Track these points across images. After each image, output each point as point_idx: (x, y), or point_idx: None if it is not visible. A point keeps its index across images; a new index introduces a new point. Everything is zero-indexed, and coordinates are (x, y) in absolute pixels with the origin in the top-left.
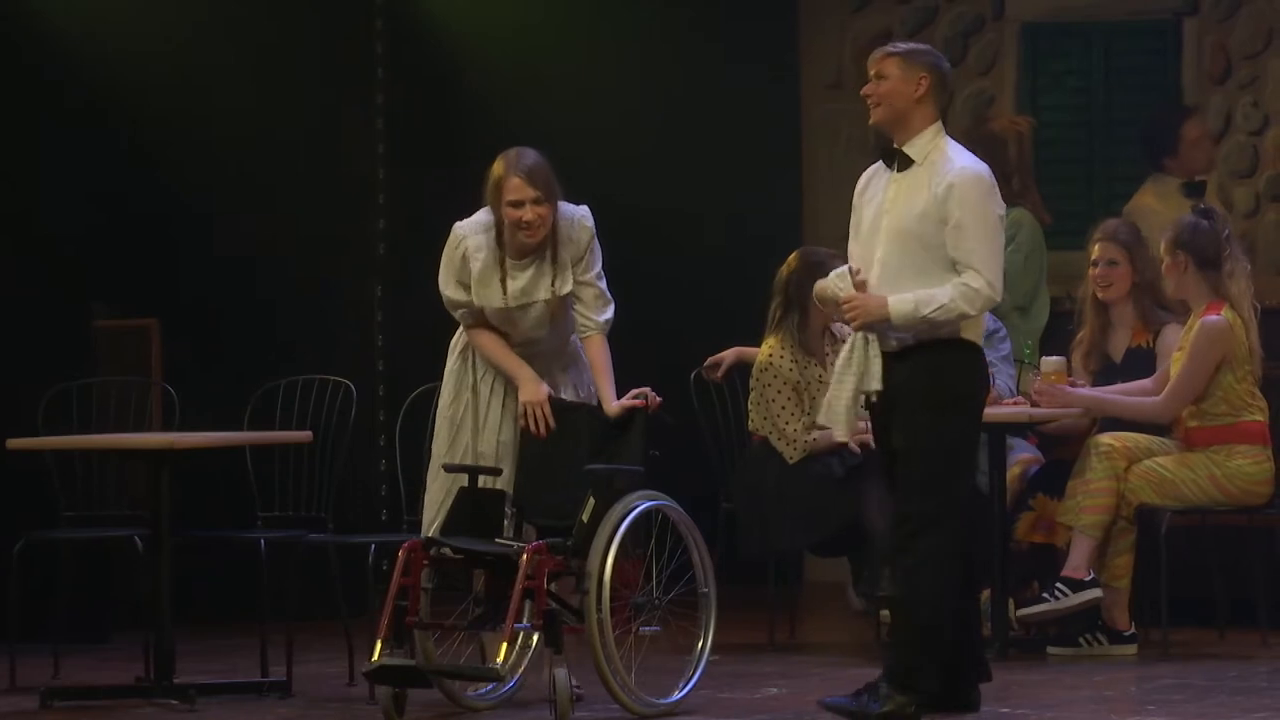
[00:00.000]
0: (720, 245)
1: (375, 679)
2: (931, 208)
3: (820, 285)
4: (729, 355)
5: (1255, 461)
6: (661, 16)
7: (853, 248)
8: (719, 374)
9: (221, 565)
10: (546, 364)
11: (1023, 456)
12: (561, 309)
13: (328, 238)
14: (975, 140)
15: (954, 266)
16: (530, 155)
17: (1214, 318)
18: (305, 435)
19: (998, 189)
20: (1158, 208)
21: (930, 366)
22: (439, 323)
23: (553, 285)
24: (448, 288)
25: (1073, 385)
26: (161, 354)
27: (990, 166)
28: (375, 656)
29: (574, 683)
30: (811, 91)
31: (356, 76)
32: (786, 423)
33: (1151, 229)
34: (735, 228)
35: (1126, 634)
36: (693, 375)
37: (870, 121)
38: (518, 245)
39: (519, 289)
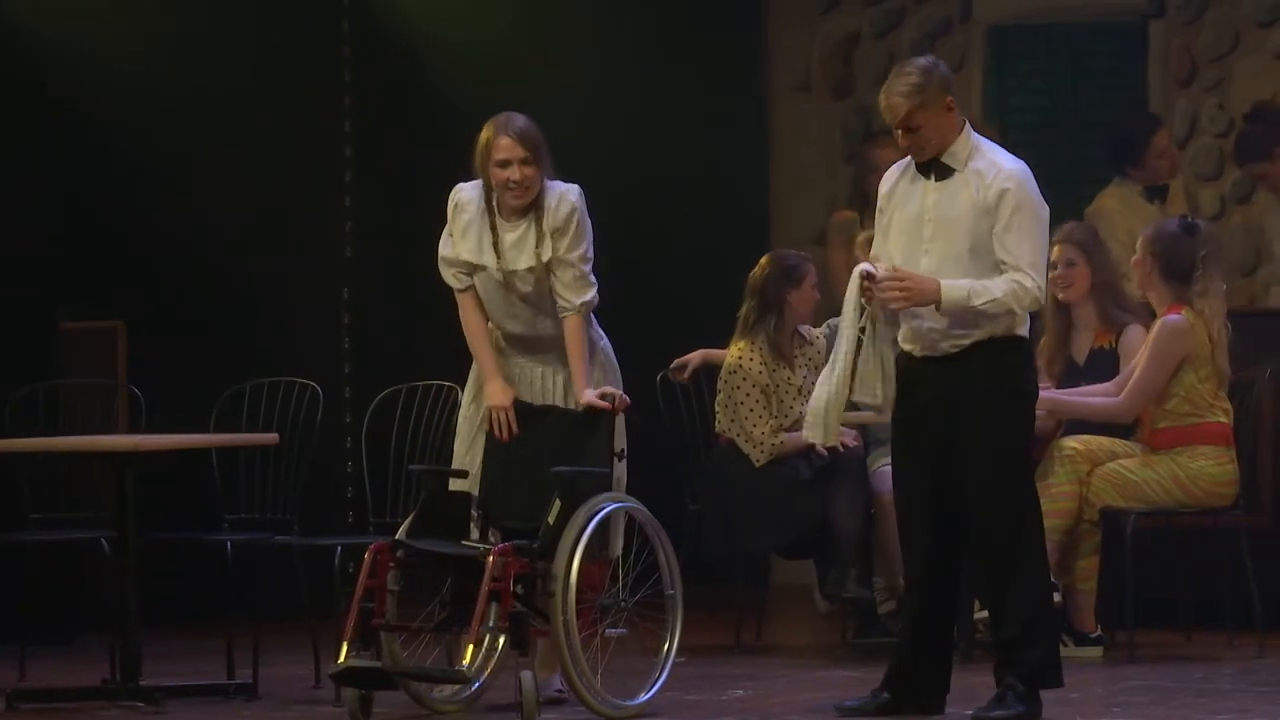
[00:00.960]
0: (687, 246)
1: (341, 681)
2: (983, 213)
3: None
4: (695, 357)
5: (1218, 463)
6: (629, 17)
7: (880, 249)
8: (685, 375)
9: (188, 567)
10: (553, 359)
11: None
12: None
13: (295, 240)
14: None
15: (999, 267)
16: (520, 118)
17: (1174, 317)
18: (271, 438)
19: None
20: (1120, 210)
21: (999, 366)
22: (406, 325)
23: (536, 249)
24: (443, 245)
25: None
26: (127, 356)
27: None
28: (341, 658)
29: (559, 686)
30: (779, 93)
31: (323, 78)
32: (754, 425)
33: (1114, 231)
34: (702, 229)
35: (1092, 636)
36: (659, 377)
37: (916, 161)
38: (506, 208)
39: (506, 253)
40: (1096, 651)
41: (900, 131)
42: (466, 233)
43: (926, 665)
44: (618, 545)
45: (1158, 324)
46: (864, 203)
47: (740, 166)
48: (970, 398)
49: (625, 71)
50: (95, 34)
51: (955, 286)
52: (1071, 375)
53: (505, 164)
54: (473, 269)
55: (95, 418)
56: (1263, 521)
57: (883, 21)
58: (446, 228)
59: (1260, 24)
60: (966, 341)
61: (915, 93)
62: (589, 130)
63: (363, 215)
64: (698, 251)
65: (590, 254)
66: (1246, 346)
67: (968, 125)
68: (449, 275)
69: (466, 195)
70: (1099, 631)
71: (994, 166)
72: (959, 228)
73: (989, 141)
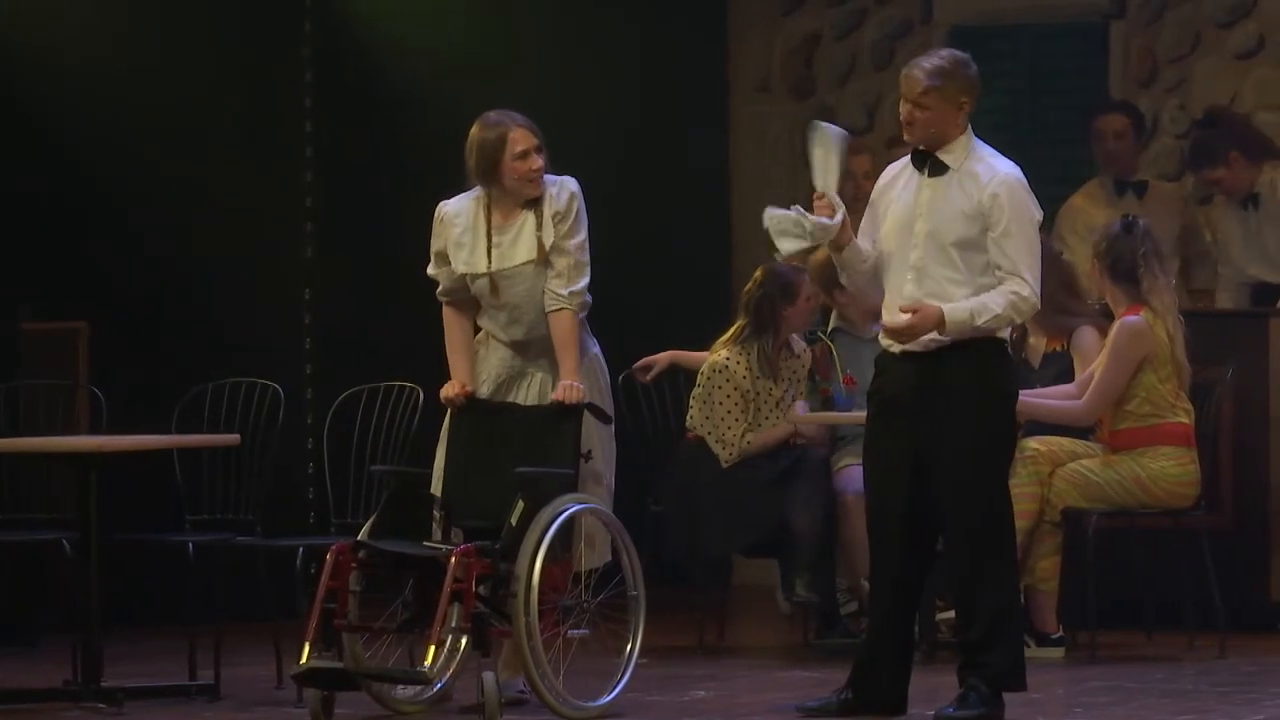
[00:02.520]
0: (648, 246)
1: (303, 681)
2: (976, 214)
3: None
4: (663, 359)
5: (1179, 463)
6: (590, 17)
7: (864, 244)
8: (649, 377)
9: (149, 568)
10: (547, 366)
11: None
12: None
13: (256, 241)
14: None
15: (993, 271)
16: (515, 113)
17: (1133, 318)
18: (233, 438)
19: None
20: (1084, 207)
21: (976, 368)
22: (368, 326)
23: (538, 233)
24: (430, 265)
25: None
26: (89, 357)
27: None
28: (303, 659)
29: (521, 687)
30: (740, 94)
31: (285, 79)
32: (729, 427)
33: (1075, 226)
34: (662, 229)
35: (1054, 637)
36: (621, 377)
37: (906, 139)
38: (510, 204)
39: (501, 254)
40: (1058, 652)
41: (909, 105)
42: (460, 244)
43: (890, 665)
44: (606, 552)
45: (1116, 325)
46: None
47: (701, 167)
48: (948, 397)
49: (586, 72)
50: (55, 34)
51: (958, 310)
52: (1027, 378)
53: (525, 155)
54: (471, 279)
55: (57, 418)
56: (1224, 522)
57: (844, 23)
58: (432, 247)
59: (1220, 25)
60: (945, 340)
61: (939, 75)
62: (549, 131)
63: (324, 216)
64: (659, 252)
65: (586, 245)
66: (1205, 347)
67: (970, 130)
68: (437, 292)
69: (454, 209)
70: (1060, 632)
71: (990, 170)
72: (949, 226)
73: (988, 147)
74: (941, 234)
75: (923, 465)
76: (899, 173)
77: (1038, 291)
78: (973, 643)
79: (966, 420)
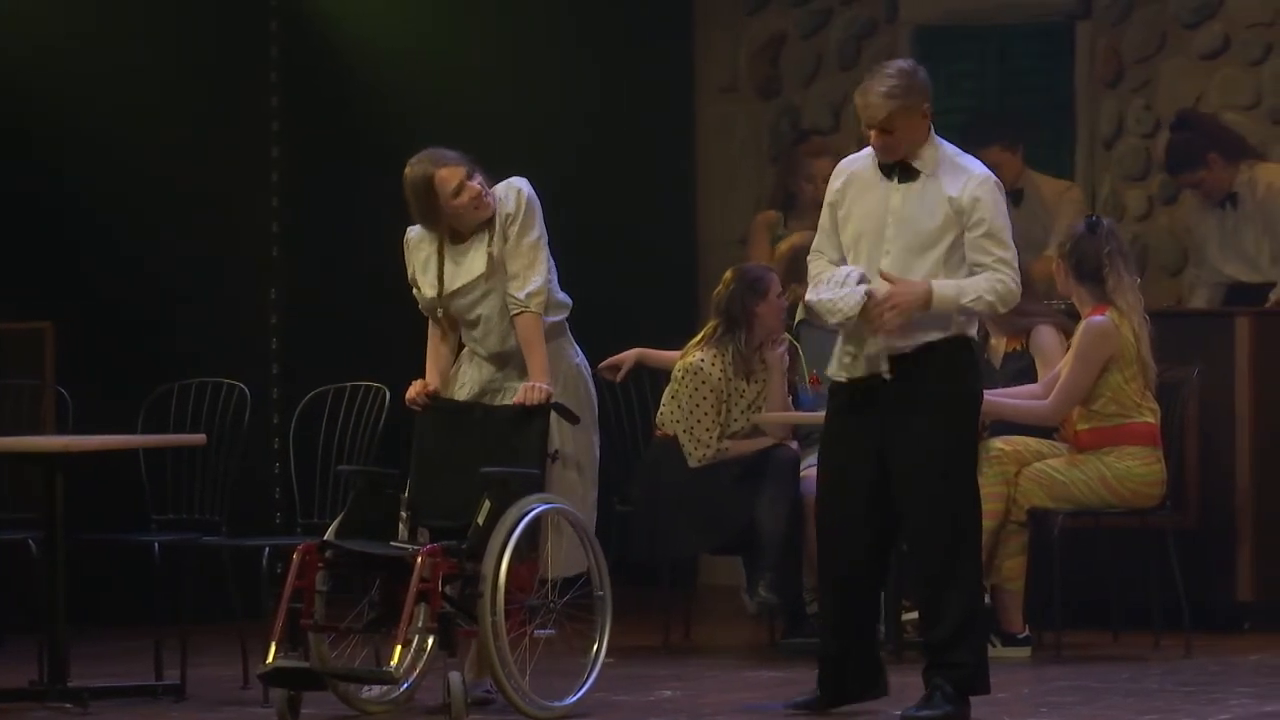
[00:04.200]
0: (614, 246)
1: (270, 681)
2: (952, 217)
3: (821, 303)
4: (630, 357)
5: (1145, 463)
6: (556, 17)
7: (827, 242)
8: (619, 376)
9: (115, 568)
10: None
11: None
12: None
13: (222, 241)
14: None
15: (972, 270)
16: (439, 150)
17: (1098, 318)
18: (199, 438)
19: None
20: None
21: (943, 366)
22: (334, 326)
23: (489, 247)
24: (415, 290)
25: None
26: (55, 357)
27: None
28: (270, 659)
29: (487, 687)
30: (706, 93)
31: (251, 78)
32: (706, 429)
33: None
34: (628, 229)
35: (1020, 636)
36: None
37: (881, 161)
38: (466, 228)
39: (452, 274)
40: (1024, 652)
41: (874, 132)
42: (425, 270)
43: (859, 659)
44: (582, 560)
45: (1082, 325)
46: (788, 203)
47: (667, 166)
48: (914, 396)
49: (551, 72)
50: (18, 33)
51: (945, 286)
52: (990, 378)
53: (459, 190)
54: (434, 303)
55: (23, 418)
56: (1189, 522)
57: (809, 22)
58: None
59: (1186, 25)
60: (912, 345)
61: (896, 96)
62: (516, 131)
63: (290, 216)
64: (625, 252)
65: (543, 243)
66: (1172, 347)
67: (933, 131)
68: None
69: (417, 235)
70: (1026, 632)
71: (964, 172)
72: (924, 229)
73: (954, 146)
74: (914, 238)
75: (885, 464)
76: (855, 171)
77: (1019, 284)
78: (938, 643)
79: (931, 419)
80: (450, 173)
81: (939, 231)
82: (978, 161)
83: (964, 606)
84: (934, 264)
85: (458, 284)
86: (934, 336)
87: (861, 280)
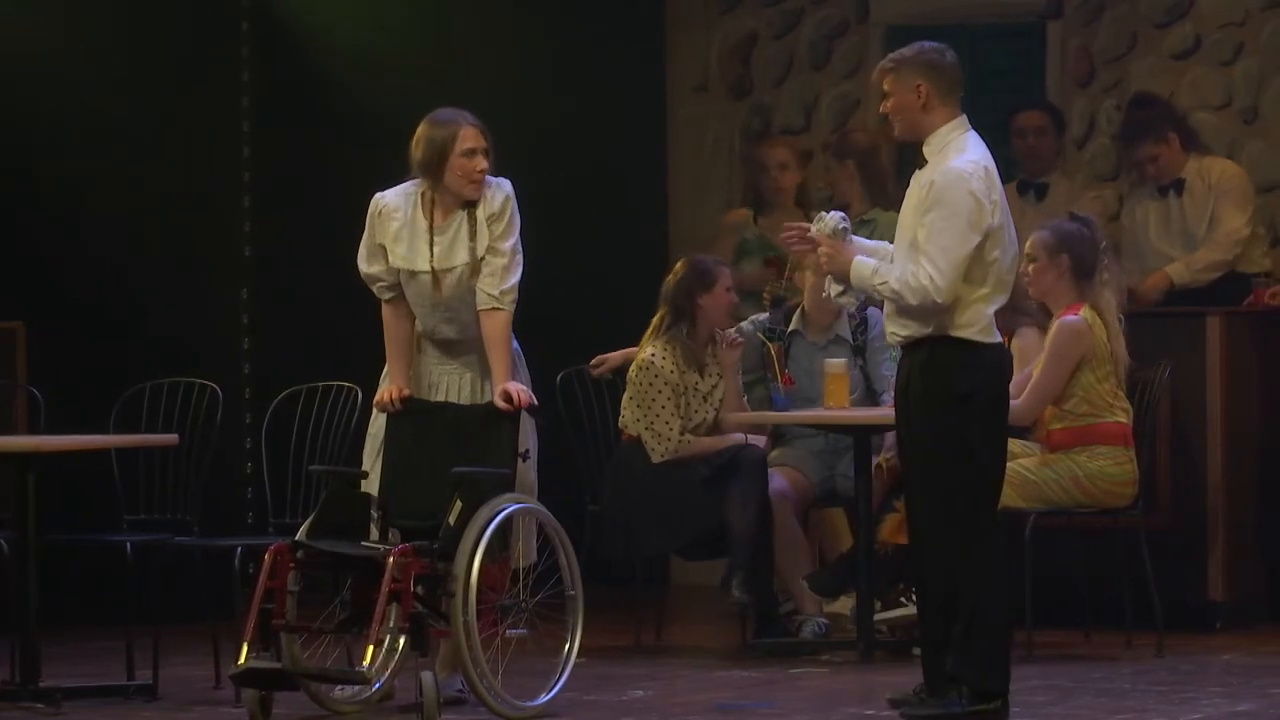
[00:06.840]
0: (585, 247)
1: (241, 682)
2: (920, 204)
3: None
4: (617, 357)
5: (1116, 463)
6: (527, 16)
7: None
8: (603, 370)
9: (87, 568)
10: (477, 365)
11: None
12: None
13: (193, 240)
14: (848, 151)
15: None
16: (466, 111)
17: (1072, 317)
18: (171, 438)
19: (988, 188)
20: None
21: (925, 364)
22: (306, 326)
23: (472, 243)
24: (363, 262)
25: None
26: (26, 357)
27: (868, 175)
28: (241, 659)
29: (460, 687)
30: (677, 93)
31: (222, 78)
32: (666, 422)
33: None
34: (601, 229)
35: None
36: (559, 377)
37: (894, 134)
38: (450, 203)
39: (442, 253)
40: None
41: (882, 98)
42: (398, 239)
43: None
44: (531, 552)
45: (1055, 325)
46: (757, 202)
47: (638, 166)
48: (909, 395)
49: (522, 71)
50: None
51: (864, 263)
52: None
53: (472, 153)
54: (408, 275)
55: None
56: (1161, 521)
57: (781, 22)
58: (365, 240)
59: (1157, 25)
60: (902, 334)
61: (894, 60)
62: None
63: (261, 215)
64: (596, 252)
65: (519, 246)
66: (1144, 347)
67: (959, 121)
68: (375, 288)
69: (391, 201)
70: None
71: (945, 160)
72: (907, 220)
73: (974, 141)
74: (902, 229)
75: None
76: None
77: (938, 280)
78: (955, 641)
79: (920, 420)
80: (473, 134)
81: (912, 219)
82: (974, 154)
83: (970, 605)
84: (905, 250)
85: (445, 264)
86: (911, 332)
87: (844, 220)
